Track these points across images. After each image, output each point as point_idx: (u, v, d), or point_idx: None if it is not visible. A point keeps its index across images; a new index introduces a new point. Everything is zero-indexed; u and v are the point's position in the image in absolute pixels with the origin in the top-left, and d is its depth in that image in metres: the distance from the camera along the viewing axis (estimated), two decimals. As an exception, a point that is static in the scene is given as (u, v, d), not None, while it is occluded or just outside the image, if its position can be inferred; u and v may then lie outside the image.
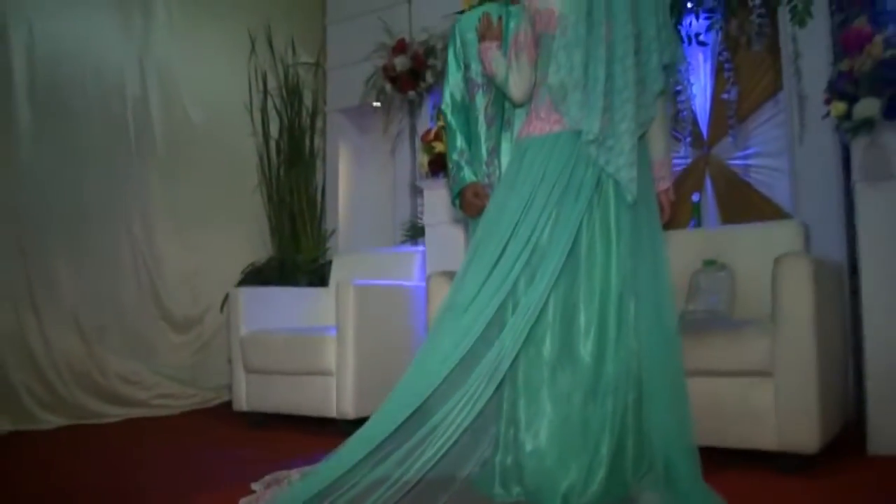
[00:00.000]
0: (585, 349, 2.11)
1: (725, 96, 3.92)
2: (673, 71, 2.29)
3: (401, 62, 4.64)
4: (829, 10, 3.50)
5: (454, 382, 1.96)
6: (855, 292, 3.16)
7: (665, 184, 2.36)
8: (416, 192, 4.74)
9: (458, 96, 2.80)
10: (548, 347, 2.12)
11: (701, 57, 4.01)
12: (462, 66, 2.79)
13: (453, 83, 2.81)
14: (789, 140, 3.65)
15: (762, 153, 3.95)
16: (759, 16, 3.64)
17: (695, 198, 3.99)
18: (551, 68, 2.21)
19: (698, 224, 3.95)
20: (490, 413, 2.08)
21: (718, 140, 4.05)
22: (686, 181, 4.10)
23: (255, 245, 5.09)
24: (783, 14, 3.61)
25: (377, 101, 4.90)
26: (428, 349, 2.10)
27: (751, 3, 3.64)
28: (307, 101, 5.34)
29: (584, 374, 2.09)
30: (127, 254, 4.55)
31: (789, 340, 2.49)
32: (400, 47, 4.68)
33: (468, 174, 2.69)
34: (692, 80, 3.96)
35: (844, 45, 2.79)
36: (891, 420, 2.74)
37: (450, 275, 3.17)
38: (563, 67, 2.19)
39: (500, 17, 2.64)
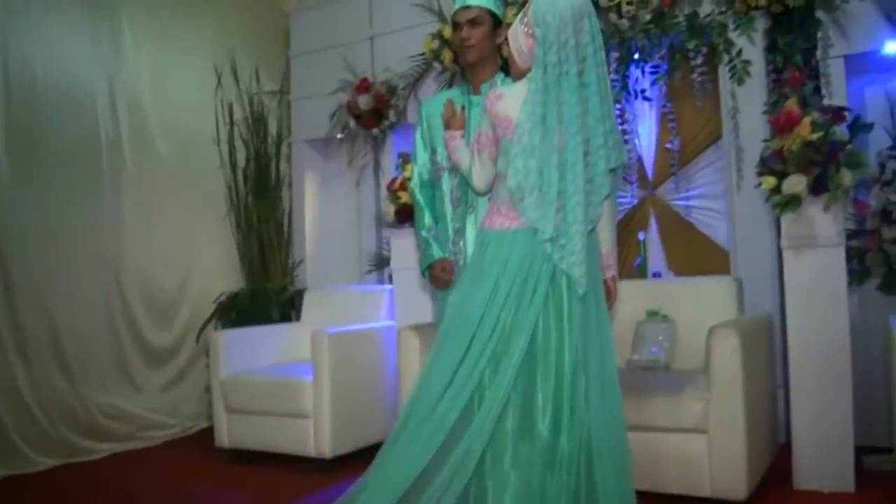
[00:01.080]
0: (543, 424, 2.39)
1: (669, 146, 4.21)
2: (618, 172, 2.55)
3: (364, 100, 4.80)
4: (765, 70, 3.79)
5: (426, 476, 2.21)
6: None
7: (612, 272, 2.62)
8: (381, 223, 4.92)
9: (425, 175, 2.98)
10: (510, 422, 2.39)
11: (647, 106, 4.29)
12: (429, 147, 2.95)
13: (421, 163, 2.98)
14: (727, 187, 3.95)
15: (703, 195, 4.26)
16: (701, 73, 3.92)
17: (641, 236, 4.30)
18: (510, 171, 2.42)
19: (644, 261, 4.26)
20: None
21: (663, 182, 4.35)
22: (632, 220, 4.40)
23: (226, 272, 5.26)
24: (723, 71, 3.88)
25: (341, 134, 5.07)
26: (400, 449, 2.30)
27: (693, 62, 3.92)
28: (272, 128, 5.49)
29: (543, 448, 2.37)
30: (101, 287, 4.67)
31: (721, 405, 2.83)
32: (363, 86, 4.83)
33: (436, 250, 2.88)
34: (639, 129, 4.24)
35: (775, 125, 3.06)
36: (814, 456, 3.09)
37: (417, 329, 3.43)
38: (520, 172, 2.40)
39: (462, 107, 2.82)
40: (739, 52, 3.79)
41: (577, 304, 2.42)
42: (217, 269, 5.23)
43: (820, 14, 3.62)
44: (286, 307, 4.94)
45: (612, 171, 2.48)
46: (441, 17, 4.66)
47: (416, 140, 3.01)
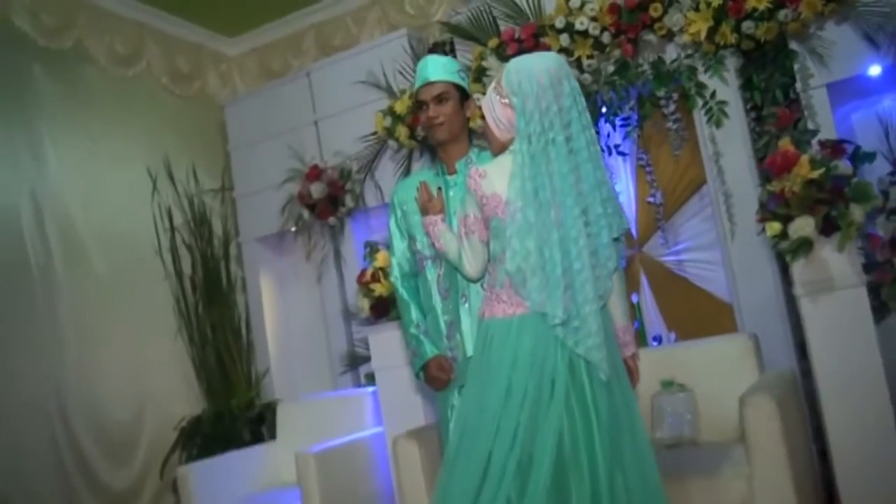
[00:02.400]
0: (582, 529, 2.23)
1: (651, 199, 4.15)
2: (622, 240, 2.46)
3: (317, 189, 4.71)
4: (744, 109, 3.77)
5: None
6: (806, 374, 3.39)
7: (630, 349, 2.50)
8: (349, 317, 4.79)
9: (405, 266, 2.84)
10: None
11: (621, 161, 4.26)
12: (406, 236, 2.83)
13: (399, 254, 2.85)
14: (720, 236, 3.88)
15: (694, 247, 4.19)
16: (675, 120, 3.90)
17: (633, 298, 4.20)
18: (507, 254, 2.32)
19: (641, 325, 4.16)
20: None
21: (649, 238, 4.30)
22: (623, 282, 4.32)
23: (184, 393, 5.00)
24: (699, 115, 3.85)
25: (295, 227, 4.98)
26: None
27: (664, 109, 3.91)
28: (217, 229, 5.35)
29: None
30: (44, 425, 4.35)
31: (766, 480, 2.67)
32: (314, 174, 4.75)
33: (429, 348, 2.73)
34: (616, 186, 4.20)
35: (771, 168, 3.02)
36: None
37: (416, 435, 3.25)
38: (519, 254, 2.30)
39: (439, 189, 2.73)
40: (713, 95, 3.78)
41: (603, 392, 2.30)
42: (174, 391, 4.96)
43: (794, 45, 3.63)
44: (256, 425, 4.72)
45: (616, 240, 2.40)
46: (389, 91, 4.62)
47: (390, 229, 2.90)
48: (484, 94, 3.99)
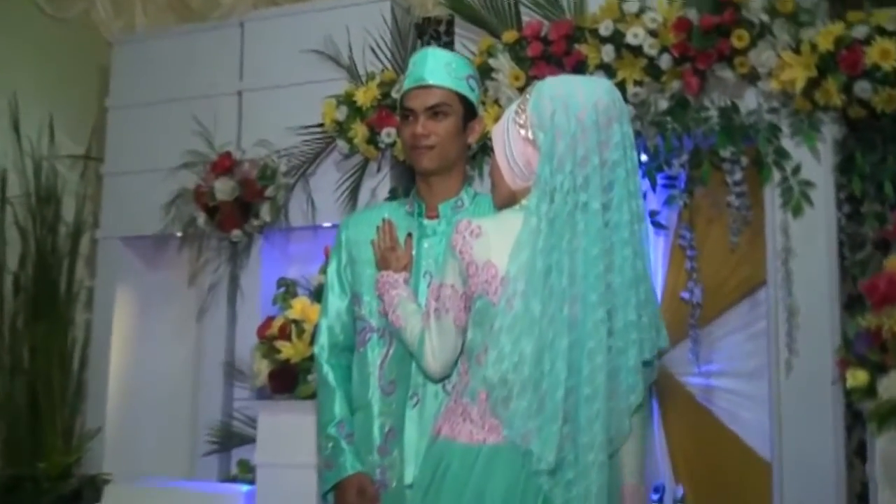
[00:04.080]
0: None
1: (685, 296, 4.16)
2: (654, 365, 2.41)
3: (224, 187, 4.68)
4: (836, 197, 3.81)
5: None
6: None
7: (636, 521, 2.46)
8: (234, 376, 4.75)
9: (338, 335, 2.79)
10: None
11: (653, 234, 4.25)
12: (348, 291, 2.80)
13: (334, 315, 2.81)
14: (771, 365, 3.90)
15: (731, 372, 4.21)
16: (739, 194, 3.91)
17: (634, 426, 4.19)
18: (491, 354, 2.25)
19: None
20: None
21: (672, 347, 4.28)
22: (626, 400, 4.30)
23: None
24: (772, 193, 3.88)
25: (182, 233, 4.93)
26: None
27: (728, 176, 3.91)
28: (67, 213, 5.30)
29: None
30: None
31: None
32: (224, 165, 4.73)
33: (350, 460, 2.67)
34: (645, 267, 4.19)
35: (869, 294, 3.04)
36: None
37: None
38: (507, 357, 2.24)
39: (409, 235, 2.70)
40: (797, 170, 3.84)
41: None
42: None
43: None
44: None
45: (647, 363, 2.37)
46: (351, 72, 4.65)
47: (328, 277, 2.86)
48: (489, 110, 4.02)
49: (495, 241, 2.30)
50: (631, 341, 2.29)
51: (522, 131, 2.31)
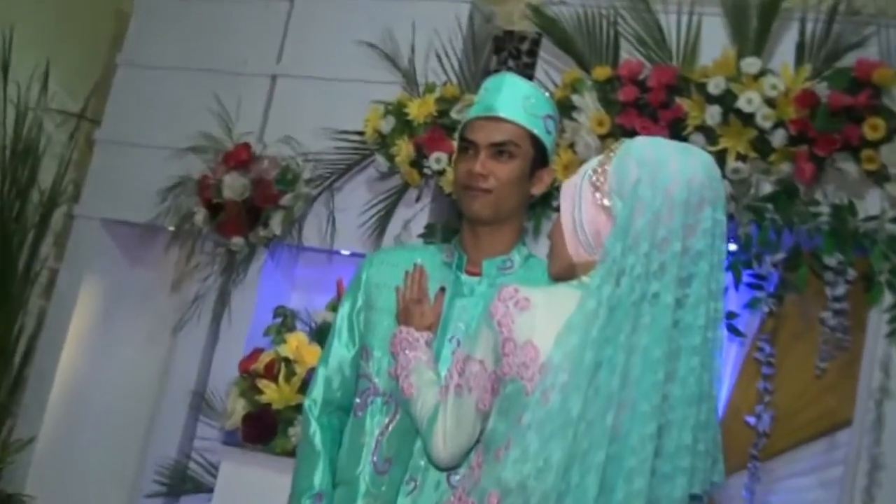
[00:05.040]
0: None
1: (752, 420, 4.14)
2: (703, 502, 2.42)
3: (234, 183, 4.68)
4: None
5: None
6: None
7: None
8: (199, 409, 4.77)
9: (336, 390, 2.82)
10: None
11: (725, 341, 4.24)
12: (357, 343, 2.83)
13: (335, 365, 2.84)
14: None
15: (793, 521, 4.20)
16: (838, 312, 3.90)
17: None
18: (513, 453, 2.27)
19: None
20: None
21: (728, 476, 4.27)
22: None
23: None
24: (877, 318, 3.87)
25: (175, 227, 4.99)
26: None
27: (829, 290, 3.90)
28: (45, 178, 5.38)
29: None
30: None
31: None
32: (240, 157, 4.74)
33: (326, 545, 2.70)
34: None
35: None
36: None
37: None
38: (531, 460, 2.25)
39: (442, 289, 2.72)
40: (915, 294, 3.82)
41: None
42: None
43: None
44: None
45: (695, 498, 2.37)
46: (407, 79, 4.69)
47: (336, 320, 2.90)
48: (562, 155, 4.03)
49: (542, 318, 2.31)
50: (681, 469, 2.29)
51: (598, 195, 2.33)
